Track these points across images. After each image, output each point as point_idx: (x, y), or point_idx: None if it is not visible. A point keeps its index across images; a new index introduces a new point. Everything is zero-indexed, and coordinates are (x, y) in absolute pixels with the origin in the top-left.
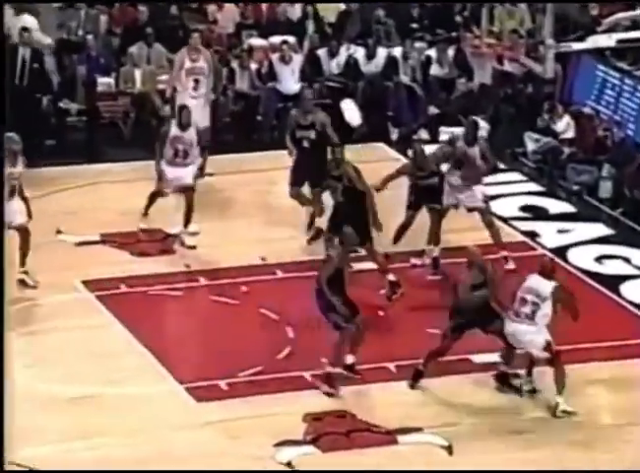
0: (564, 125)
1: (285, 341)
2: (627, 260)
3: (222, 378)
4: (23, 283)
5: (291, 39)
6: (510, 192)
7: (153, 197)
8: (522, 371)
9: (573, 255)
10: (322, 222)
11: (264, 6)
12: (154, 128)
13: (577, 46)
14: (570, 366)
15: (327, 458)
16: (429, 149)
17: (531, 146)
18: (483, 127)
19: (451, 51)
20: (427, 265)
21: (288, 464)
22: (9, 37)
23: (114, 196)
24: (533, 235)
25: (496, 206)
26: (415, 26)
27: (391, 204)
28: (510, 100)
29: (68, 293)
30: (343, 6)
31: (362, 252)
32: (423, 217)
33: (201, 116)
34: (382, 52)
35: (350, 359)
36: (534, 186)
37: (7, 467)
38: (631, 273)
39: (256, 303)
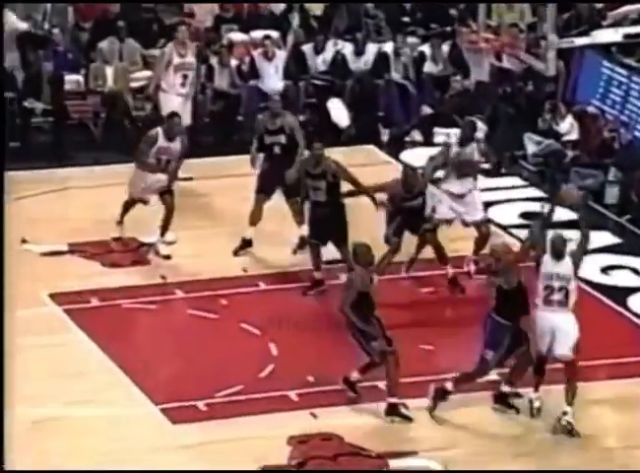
0: (567, 126)
1: (267, 358)
2: (635, 271)
3: (199, 399)
4: None
5: (275, 34)
6: (509, 198)
7: (128, 204)
8: (521, 390)
9: None
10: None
11: None
12: (126, 130)
13: (581, 41)
14: None
15: None
16: (420, 152)
17: (531, 148)
18: (481, 128)
19: (446, 47)
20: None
21: None
22: None
23: (83, 203)
24: None
25: (495, 213)
26: (407, 19)
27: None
28: (509, 99)
29: (34, 307)
30: None
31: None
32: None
33: (186, 114)
34: (372, 48)
35: (355, 375)
36: (534, 192)
37: None
38: (639, 285)
39: (237, 317)
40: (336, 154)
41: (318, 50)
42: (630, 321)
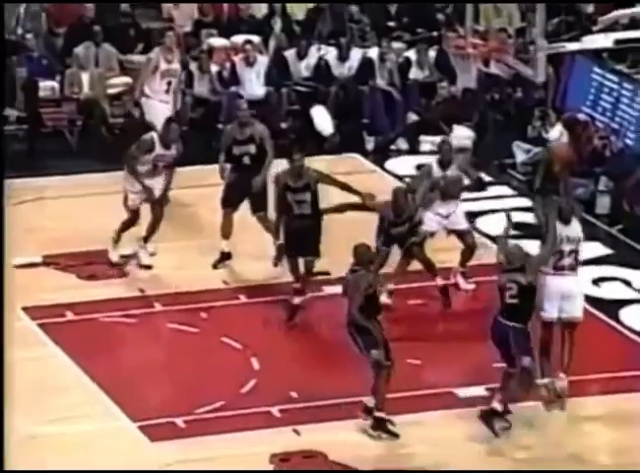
0: (557, 134)
1: (249, 373)
2: (627, 283)
3: (179, 415)
4: None
5: (256, 39)
6: (497, 208)
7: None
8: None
9: None
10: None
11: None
12: (103, 137)
13: (571, 47)
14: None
15: None
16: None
17: (520, 157)
18: (468, 136)
19: (432, 52)
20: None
21: None
22: None
23: (58, 213)
24: None
25: (482, 223)
26: (392, 24)
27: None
28: (497, 106)
29: (6, 321)
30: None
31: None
32: None
33: None
34: (356, 53)
35: (372, 400)
36: (523, 201)
37: None
38: (631, 297)
39: (218, 331)
40: (319, 162)
41: (301, 56)
42: (622, 335)
